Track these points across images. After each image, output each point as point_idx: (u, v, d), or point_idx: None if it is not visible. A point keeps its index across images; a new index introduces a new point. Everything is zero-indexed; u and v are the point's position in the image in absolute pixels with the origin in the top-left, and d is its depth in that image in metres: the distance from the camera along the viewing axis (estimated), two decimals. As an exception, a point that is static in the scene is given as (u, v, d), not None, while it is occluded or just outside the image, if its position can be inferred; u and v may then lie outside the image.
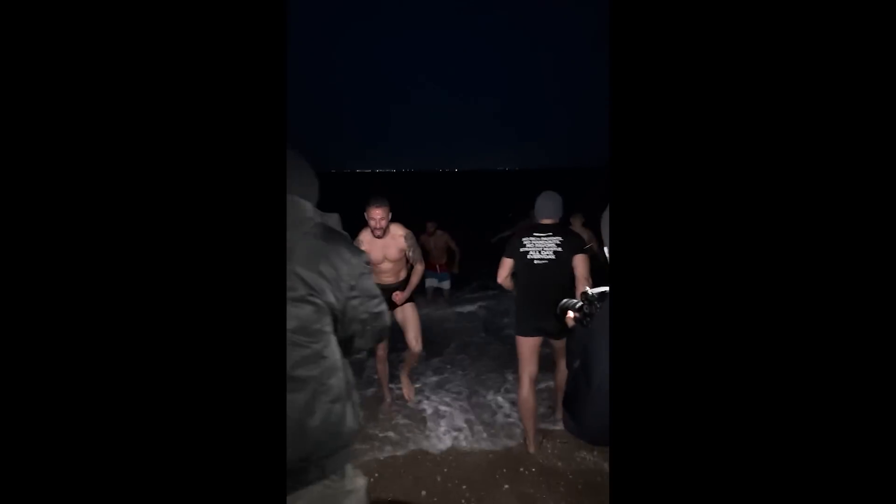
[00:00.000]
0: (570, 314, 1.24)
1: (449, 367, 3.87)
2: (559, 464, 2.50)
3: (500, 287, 2.62)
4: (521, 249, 2.44)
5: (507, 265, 2.49)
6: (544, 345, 2.66)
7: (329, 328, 1.05)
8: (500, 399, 3.29)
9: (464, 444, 2.73)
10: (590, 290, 1.12)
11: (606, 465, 2.41)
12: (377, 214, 2.72)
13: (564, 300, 1.29)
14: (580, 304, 1.19)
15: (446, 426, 2.93)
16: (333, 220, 1.13)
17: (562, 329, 2.59)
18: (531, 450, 2.60)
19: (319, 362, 1.02)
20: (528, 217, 7.06)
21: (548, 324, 2.41)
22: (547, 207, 2.48)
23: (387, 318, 1.18)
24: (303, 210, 1.05)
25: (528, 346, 2.53)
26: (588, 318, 1.12)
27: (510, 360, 3.81)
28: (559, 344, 2.62)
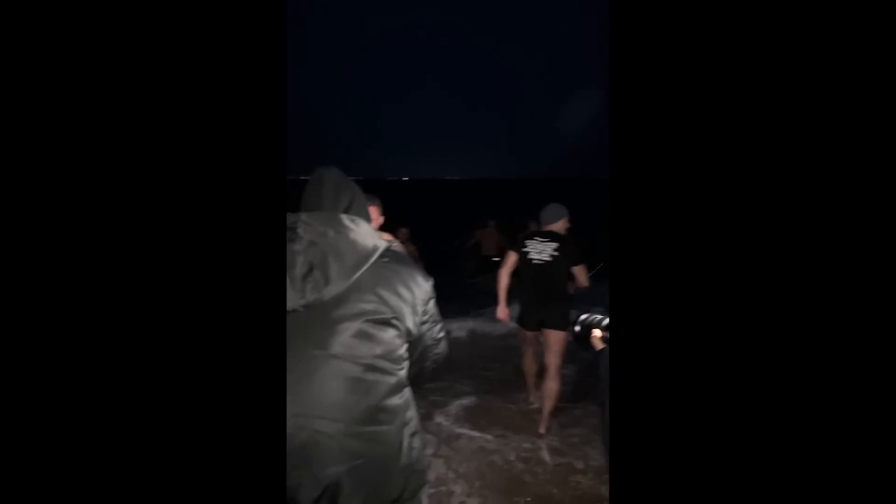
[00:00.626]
0: (597, 333, 1.02)
1: (422, 400, 3.57)
2: (554, 490, 2.32)
3: (463, 308, 2.92)
4: (523, 249, 2.75)
5: (511, 258, 2.82)
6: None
7: (406, 354, 0.98)
8: (484, 434, 3.04)
9: (452, 475, 2.47)
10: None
11: (603, 489, 2.26)
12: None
13: (583, 315, 1.07)
14: (608, 321, 0.99)
15: (431, 457, 2.65)
16: (394, 244, 1.06)
17: (558, 321, 2.78)
18: (532, 399, 3.14)
19: (403, 391, 0.96)
20: (487, 225, 7.05)
21: (545, 315, 2.72)
22: (551, 216, 2.78)
23: (446, 345, 1.12)
24: (374, 235, 0.98)
25: (529, 334, 2.92)
26: None
27: (487, 393, 3.56)
28: (553, 336, 2.70)
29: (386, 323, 0.92)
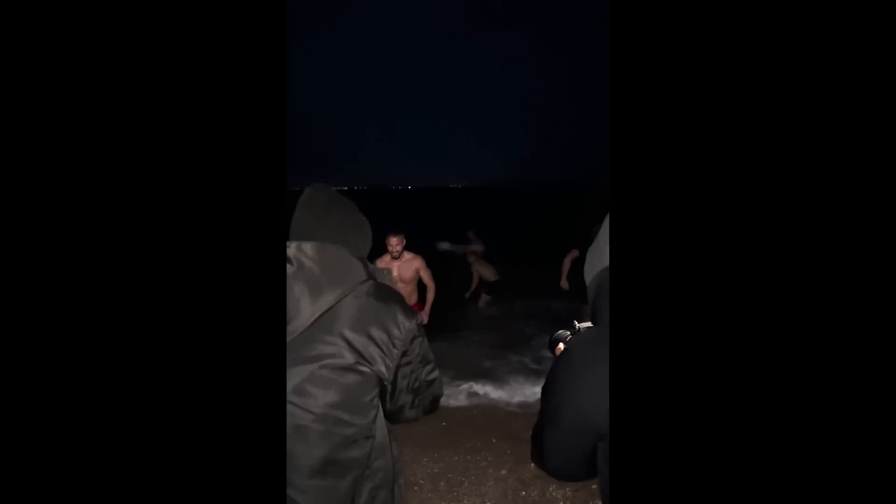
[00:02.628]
0: (561, 346, 1.09)
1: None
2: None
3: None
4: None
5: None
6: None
7: (377, 401, 0.90)
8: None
9: None
10: (578, 324, 1.00)
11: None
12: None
13: (559, 331, 1.15)
14: (570, 335, 1.07)
15: None
16: (385, 275, 0.98)
17: None
18: None
19: (364, 442, 0.88)
20: (467, 240, 6.83)
21: None
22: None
23: (440, 387, 1.03)
24: (356, 268, 0.90)
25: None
26: None
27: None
28: None
29: (347, 369, 0.84)
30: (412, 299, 3.64)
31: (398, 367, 0.90)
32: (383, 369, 0.87)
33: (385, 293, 0.92)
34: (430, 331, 3.62)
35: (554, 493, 2.43)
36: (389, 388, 0.91)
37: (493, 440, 3.04)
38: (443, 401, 3.39)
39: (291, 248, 0.88)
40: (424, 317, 3.66)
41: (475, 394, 3.77)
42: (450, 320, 3.68)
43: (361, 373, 0.85)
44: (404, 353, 0.90)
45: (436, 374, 1.01)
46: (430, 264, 3.63)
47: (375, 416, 0.89)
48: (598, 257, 0.76)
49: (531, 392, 3.72)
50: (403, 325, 0.90)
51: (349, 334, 0.85)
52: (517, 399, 3.66)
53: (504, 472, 2.66)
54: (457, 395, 3.73)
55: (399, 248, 3.39)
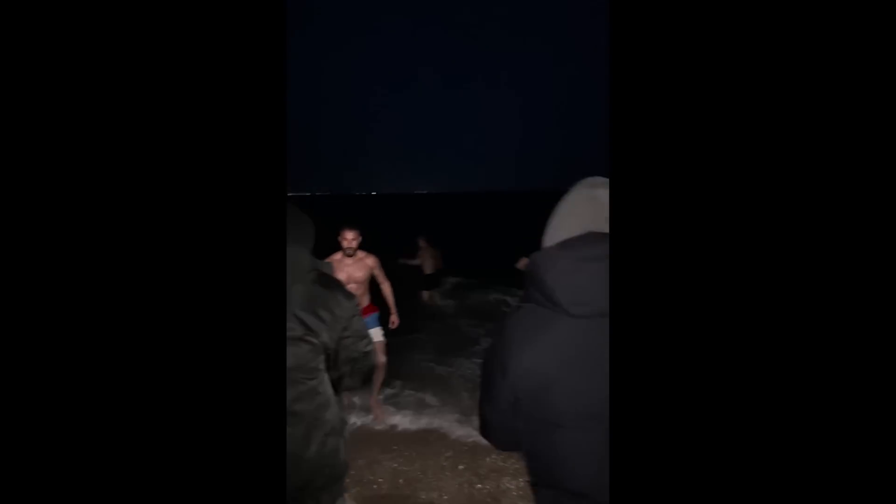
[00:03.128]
0: None
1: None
2: None
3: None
4: None
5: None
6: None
7: (323, 366, 1.11)
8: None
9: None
10: None
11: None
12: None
13: None
14: None
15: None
16: (327, 266, 1.19)
17: None
18: None
19: (315, 398, 1.09)
20: (421, 246, 6.75)
21: None
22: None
23: (374, 358, 1.24)
24: (303, 260, 1.10)
25: None
26: None
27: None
28: None
29: (299, 339, 1.05)
30: (364, 301, 3.35)
31: (340, 339, 1.12)
32: (327, 340, 1.09)
33: (328, 281, 1.14)
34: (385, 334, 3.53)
35: (507, 485, 2.54)
36: (333, 356, 1.13)
37: (451, 437, 3.13)
38: (400, 400, 3.43)
39: None
40: (395, 319, 3.48)
41: (430, 394, 3.86)
42: (402, 322, 3.64)
43: (310, 343, 1.07)
44: (344, 329, 1.12)
45: (371, 347, 1.22)
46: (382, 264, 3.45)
47: (323, 378, 1.12)
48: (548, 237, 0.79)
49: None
50: (344, 306, 1.12)
51: (300, 313, 1.06)
52: (474, 397, 3.73)
53: (461, 467, 2.75)
54: (412, 394, 3.83)
55: (354, 243, 3.15)
